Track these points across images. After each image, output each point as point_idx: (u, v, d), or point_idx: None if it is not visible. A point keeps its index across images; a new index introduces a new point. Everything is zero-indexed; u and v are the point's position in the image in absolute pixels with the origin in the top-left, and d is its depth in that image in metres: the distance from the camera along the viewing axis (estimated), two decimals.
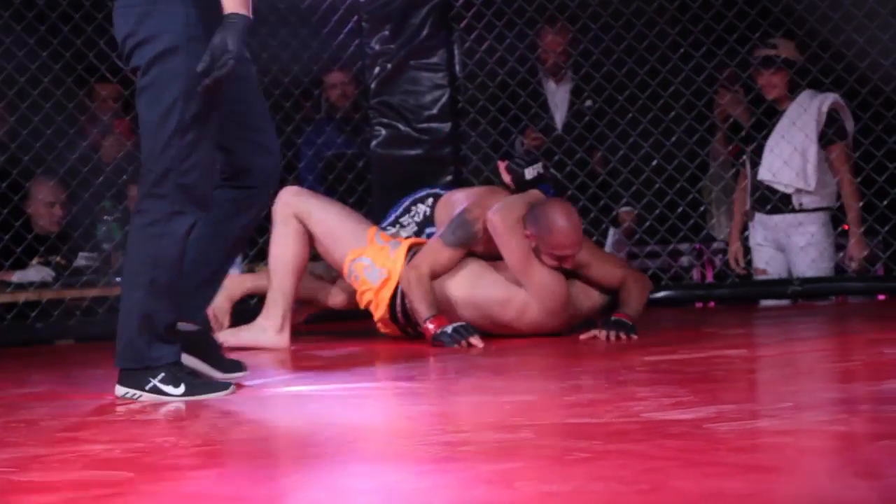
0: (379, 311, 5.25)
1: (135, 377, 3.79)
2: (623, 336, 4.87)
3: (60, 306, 5.98)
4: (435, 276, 5.11)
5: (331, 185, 6.80)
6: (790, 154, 6.11)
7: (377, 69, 6.45)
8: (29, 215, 6.32)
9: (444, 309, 5.09)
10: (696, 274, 6.93)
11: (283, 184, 6.52)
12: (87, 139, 6.43)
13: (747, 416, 3.06)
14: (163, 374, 3.77)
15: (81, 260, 6.23)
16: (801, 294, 6.19)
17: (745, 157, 6.33)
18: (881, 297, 6.36)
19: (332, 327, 5.95)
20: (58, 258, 6.24)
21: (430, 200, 5.52)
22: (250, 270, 6.44)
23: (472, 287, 5.13)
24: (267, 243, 6.31)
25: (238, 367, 4.09)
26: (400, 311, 5.20)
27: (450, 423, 3.19)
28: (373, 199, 6.48)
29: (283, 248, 5.29)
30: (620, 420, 3.10)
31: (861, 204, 6.12)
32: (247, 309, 5.68)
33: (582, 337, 4.95)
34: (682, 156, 6.37)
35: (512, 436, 2.95)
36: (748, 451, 2.64)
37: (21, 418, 3.60)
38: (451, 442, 2.90)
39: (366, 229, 5.31)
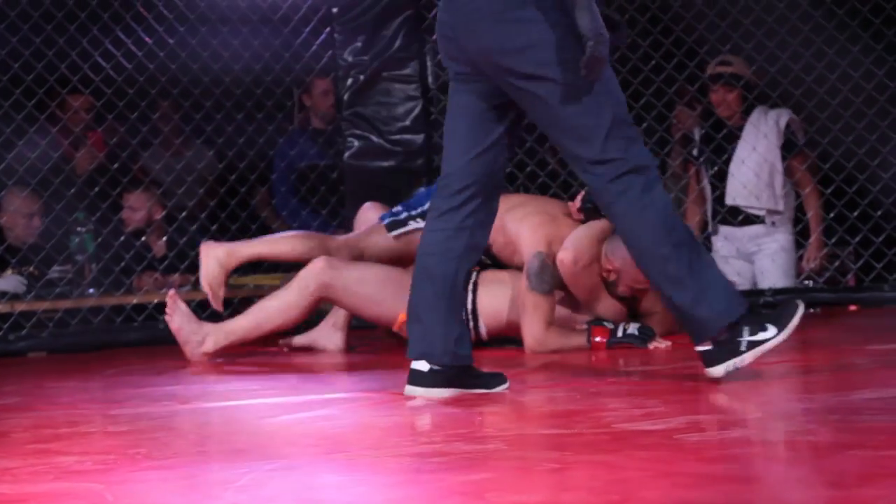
0: None
1: (726, 347, 3.68)
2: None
3: (33, 318, 5.96)
4: (553, 321, 5.03)
5: (304, 197, 6.81)
6: (756, 178, 6.13)
7: (350, 80, 6.46)
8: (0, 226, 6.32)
9: (500, 332, 5.16)
10: None
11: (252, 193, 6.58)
12: (60, 150, 6.42)
13: (717, 426, 3.08)
14: (747, 327, 3.67)
15: (54, 272, 6.21)
16: (773, 305, 6.21)
17: (696, 170, 6.35)
18: (852, 307, 6.39)
19: None
20: (31, 269, 6.22)
21: None
22: (237, 285, 6.43)
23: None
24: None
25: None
26: None
27: (421, 434, 3.20)
28: (346, 210, 6.47)
29: (283, 315, 5.23)
30: (591, 431, 3.11)
31: (821, 212, 6.18)
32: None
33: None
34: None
35: (483, 447, 2.96)
36: (717, 461, 2.65)
37: None
38: (423, 453, 2.91)
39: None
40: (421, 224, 5.14)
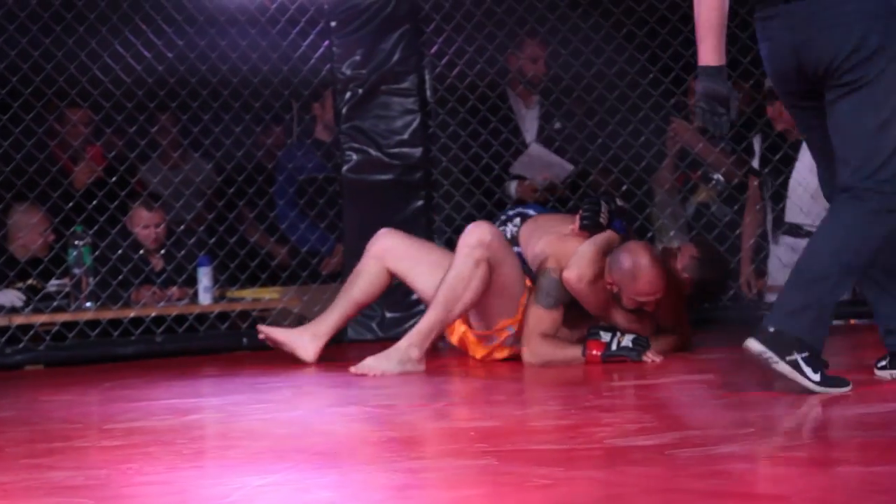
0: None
1: (781, 343, 3.71)
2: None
3: (30, 331, 5.96)
4: (553, 334, 5.06)
5: (302, 210, 6.81)
6: (813, 196, 6.06)
7: (348, 94, 6.46)
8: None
9: None
10: None
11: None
12: (60, 164, 6.43)
13: (709, 441, 3.07)
14: (807, 354, 3.71)
15: (52, 286, 6.21)
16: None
17: (759, 182, 6.32)
18: (852, 321, 6.37)
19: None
20: (31, 281, 6.23)
21: (518, 220, 5.46)
22: (221, 297, 6.45)
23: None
24: (241, 269, 6.38)
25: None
26: None
27: (412, 450, 3.20)
28: (344, 223, 6.48)
29: (464, 285, 5.06)
30: (583, 446, 3.11)
31: None
32: None
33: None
34: (629, 182, 6.40)
35: (474, 462, 2.96)
36: (708, 477, 2.65)
37: None
38: (414, 469, 2.91)
39: (520, 296, 5.19)
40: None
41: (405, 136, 6.46)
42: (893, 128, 3.75)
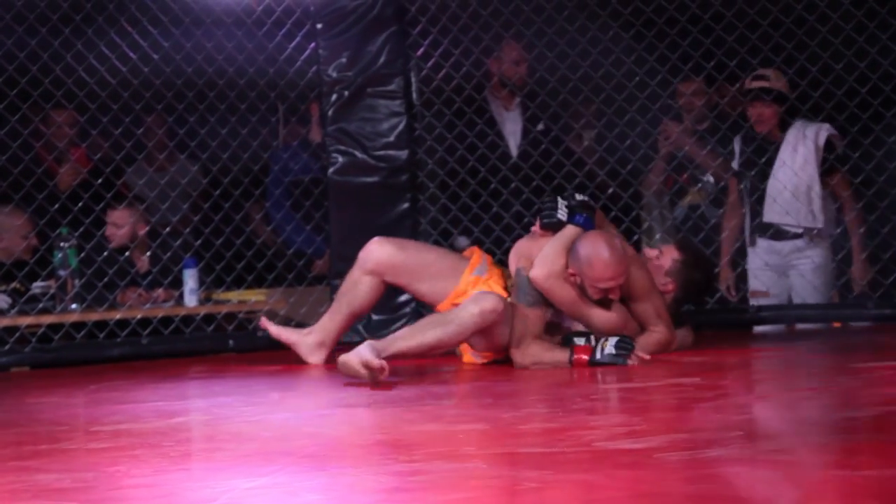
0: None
1: None
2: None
3: (16, 333, 5.95)
4: (539, 335, 5.07)
5: (289, 212, 6.80)
6: (793, 195, 6.11)
7: (334, 96, 6.45)
8: None
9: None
10: None
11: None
12: (43, 166, 6.41)
13: (698, 445, 3.07)
14: None
15: (37, 288, 6.20)
16: (758, 321, 6.23)
17: (734, 181, 6.33)
18: (836, 324, 6.39)
19: None
20: (15, 284, 6.21)
21: None
22: (207, 299, 6.44)
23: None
24: (227, 271, 6.37)
25: None
26: None
27: (401, 453, 3.19)
28: (330, 226, 6.47)
29: (453, 340, 5.06)
30: (572, 449, 3.11)
31: (863, 229, 6.14)
32: None
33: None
34: (615, 185, 6.41)
35: (463, 465, 2.96)
36: (697, 480, 2.65)
37: None
38: (403, 472, 2.90)
39: (461, 271, 5.26)
40: None
41: (391, 139, 6.45)
42: None
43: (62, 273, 6.16)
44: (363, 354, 4.62)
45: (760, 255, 6.30)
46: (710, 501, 2.46)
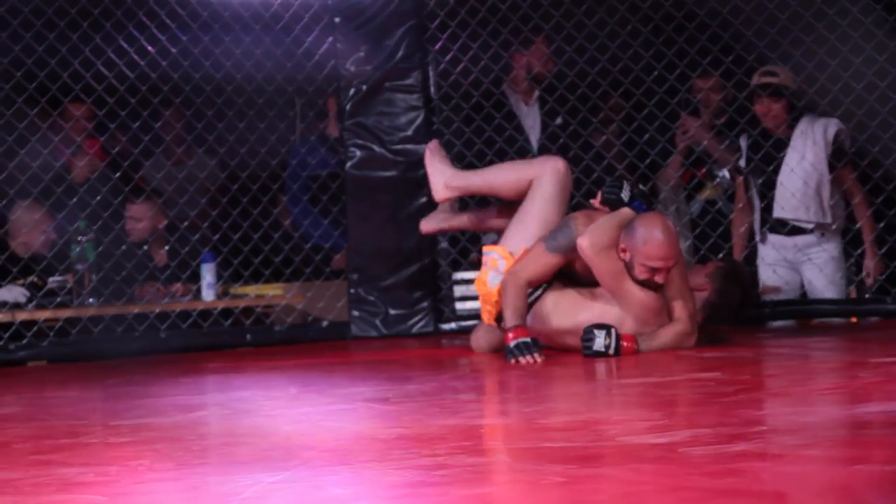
0: (486, 313, 5.34)
1: None
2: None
3: (34, 327, 5.95)
4: (533, 283, 5.19)
5: (305, 207, 6.80)
6: (803, 190, 6.09)
7: (352, 90, 6.44)
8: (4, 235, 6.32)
9: (550, 336, 5.18)
10: None
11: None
12: (62, 159, 6.41)
13: (722, 439, 3.06)
14: None
15: (55, 282, 6.20)
16: (771, 316, 6.22)
17: (743, 179, 6.31)
18: (853, 319, 6.38)
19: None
20: (33, 278, 6.22)
21: None
22: (224, 293, 6.44)
23: (572, 315, 5.17)
24: (245, 265, 6.37)
25: None
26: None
27: (424, 447, 3.18)
28: (347, 220, 6.46)
29: (505, 178, 5.49)
30: (595, 444, 3.10)
31: (871, 223, 6.12)
32: None
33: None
34: (633, 179, 6.39)
35: (486, 459, 2.95)
36: (722, 475, 2.64)
37: None
38: (426, 466, 2.90)
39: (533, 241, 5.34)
40: None
41: (409, 133, 6.45)
42: None
43: (80, 267, 6.16)
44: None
45: (773, 251, 6.27)
46: (737, 496, 2.45)
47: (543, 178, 5.38)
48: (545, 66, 6.66)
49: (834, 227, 6.17)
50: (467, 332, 5.83)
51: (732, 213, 6.52)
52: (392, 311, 6.34)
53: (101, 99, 6.24)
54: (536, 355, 4.93)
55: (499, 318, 5.24)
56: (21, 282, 6.22)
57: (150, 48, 6.27)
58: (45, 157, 6.19)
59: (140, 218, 6.48)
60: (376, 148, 6.42)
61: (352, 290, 6.36)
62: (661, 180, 6.73)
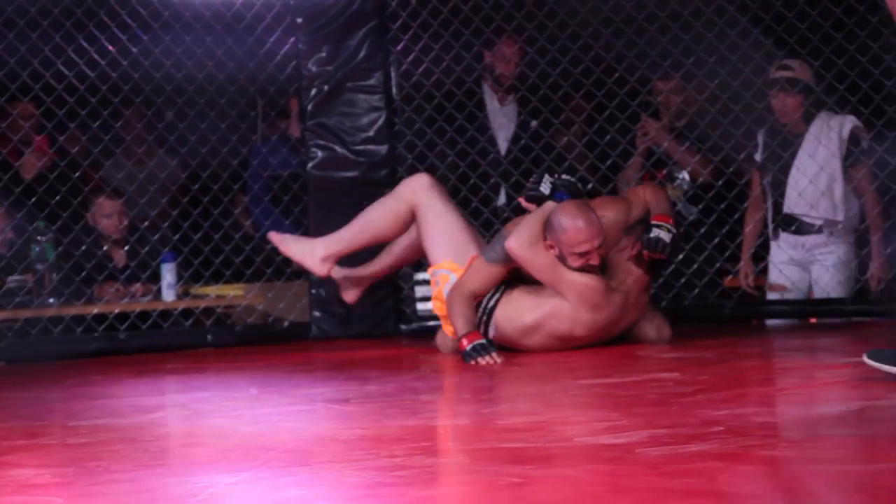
0: (448, 327, 5.32)
1: None
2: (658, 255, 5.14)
3: None
4: (478, 295, 5.20)
5: (266, 207, 6.79)
6: (814, 187, 6.08)
7: (314, 91, 6.44)
8: None
9: (511, 340, 5.19)
10: None
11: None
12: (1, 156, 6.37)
13: (679, 440, 3.07)
14: None
15: (14, 282, 6.17)
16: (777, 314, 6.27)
17: (756, 174, 6.32)
18: (812, 320, 6.40)
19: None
20: None
21: None
22: (185, 293, 6.42)
23: (527, 313, 5.19)
24: (205, 266, 6.35)
25: None
26: None
27: (383, 448, 3.19)
28: (309, 221, 6.46)
29: (382, 216, 5.50)
30: (553, 444, 3.11)
31: (879, 222, 6.11)
32: None
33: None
34: (595, 181, 6.42)
35: (445, 461, 2.95)
36: (678, 475, 2.65)
37: None
38: (384, 467, 2.90)
39: (474, 251, 5.35)
40: None
41: (371, 134, 6.44)
42: None
43: (39, 267, 6.13)
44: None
45: (784, 250, 6.27)
46: (691, 497, 2.46)
47: (422, 202, 5.41)
48: (506, 68, 6.67)
49: (841, 226, 6.14)
50: (429, 332, 5.84)
51: (692, 214, 6.53)
52: (353, 312, 6.34)
53: (38, 98, 6.21)
54: (494, 355, 4.94)
55: None
56: None
57: (110, 48, 6.24)
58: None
59: (110, 213, 6.44)
60: (338, 148, 6.42)
61: (313, 291, 6.36)
62: (621, 182, 6.75)
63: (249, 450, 3.29)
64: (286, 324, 6.41)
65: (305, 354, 5.78)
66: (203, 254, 6.36)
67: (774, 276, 6.31)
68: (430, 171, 6.45)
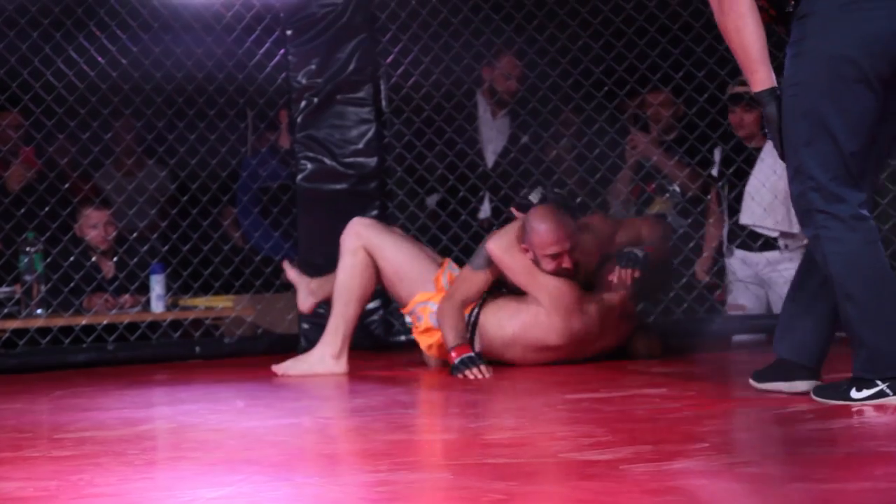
0: (443, 355, 5.33)
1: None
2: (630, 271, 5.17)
3: None
4: (467, 303, 5.27)
5: (256, 219, 6.78)
6: (772, 200, 6.10)
7: (304, 103, 6.44)
8: None
9: (495, 353, 5.24)
10: None
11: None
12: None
13: (663, 456, 3.07)
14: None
15: (2, 293, 6.16)
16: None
17: (716, 192, 6.33)
18: None
19: None
20: None
21: None
22: (173, 305, 6.41)
23: (506, 321, 5.25)
24: (194, 277, 6.34)
25: None
26: None
27: (366, 463, 3.18)
28: (298, 233, 6.45)
29: (350, 277, 5.42)
30: (538, 460, 3.10)
31: None
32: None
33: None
34: (584, 193, 6.43)
35: (429, 476, 2.95)
36: (662, 492, 2.65)
37: None
38: (368, 482, 2.89)
39: (434, 272, 5.44)
40: None
41: (360, 146, 6.45)
42: None
43: (28, 278, 6.12)
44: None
45: (742, 266, 6.27)
46: None
47: (372, 241, 5.43)
48: (508, 86, 6.70)
49: (796, 239, 6.14)
50: (417, 345, 5.82)
51: (682, 227, 6.54)
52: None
53: (27, 108, 6.21)
54: (483, 368, 4.97)
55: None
56: None
57: (99, 58, 6.24)
58: None
59: (98, 224, 6.42)
60: (327, 160, 6.42)
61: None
62: (611, 195, 6.76)
63: (234, 463, 3.28)
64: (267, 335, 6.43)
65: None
66: (192, 265, 6.36)
67: (739, 294, 6.32)
68: (419, 183, 6.48)
